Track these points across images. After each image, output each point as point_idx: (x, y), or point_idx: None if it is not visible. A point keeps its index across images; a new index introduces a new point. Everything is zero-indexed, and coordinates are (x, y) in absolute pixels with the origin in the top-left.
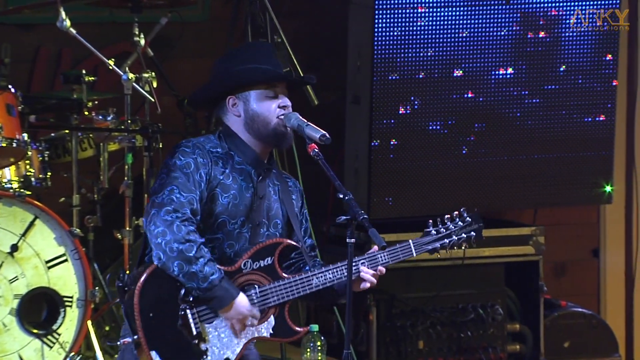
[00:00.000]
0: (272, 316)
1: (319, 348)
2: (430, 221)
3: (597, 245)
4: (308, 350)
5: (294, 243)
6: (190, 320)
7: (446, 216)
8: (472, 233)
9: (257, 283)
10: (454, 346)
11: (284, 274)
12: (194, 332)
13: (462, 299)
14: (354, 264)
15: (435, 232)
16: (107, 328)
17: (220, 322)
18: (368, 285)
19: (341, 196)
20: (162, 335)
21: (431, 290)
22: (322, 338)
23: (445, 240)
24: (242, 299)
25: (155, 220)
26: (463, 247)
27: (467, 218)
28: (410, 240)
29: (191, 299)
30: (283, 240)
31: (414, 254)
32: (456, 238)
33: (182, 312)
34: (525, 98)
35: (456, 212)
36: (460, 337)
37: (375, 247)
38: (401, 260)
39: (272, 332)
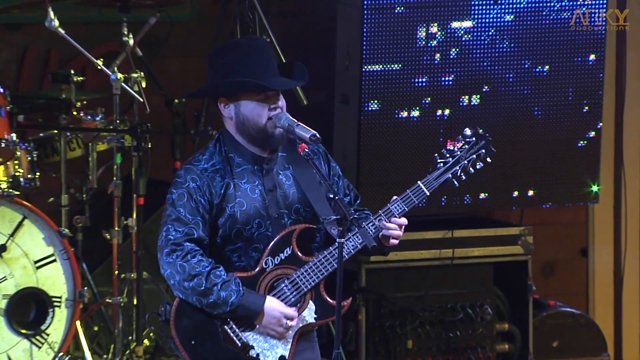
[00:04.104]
0: (310, 301)
1: None
2: (436, 154)
3: (585, 245)
4: None
5: (308, 225)
6: (231, 334)
7: (449, 143)
8: (482, 150)
9: (284, 276)
10: (443, 346)
11: (307, 258)
12: (239, 344)
13: (451, 299)
14: (370, 223)
15: (442, 164)
16: (95, 328)
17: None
18: (395, 241)
19: (331, 196)
20: (211, 357)
21: (420, 290)
22: None
23: (456, 167)
24: (270, 304)
25: (162, 264)
26: (477, 167)
27: (472, 137)
28: (419, 181)
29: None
30: (295, 227)
31: (427, 193)
32: (466, 161)
33: (221, 329)
34: (514, 98)
35: (459, 136)
36: (449, 337)
37: (395, 198)
38: (416, 203)
39: (315, 316)
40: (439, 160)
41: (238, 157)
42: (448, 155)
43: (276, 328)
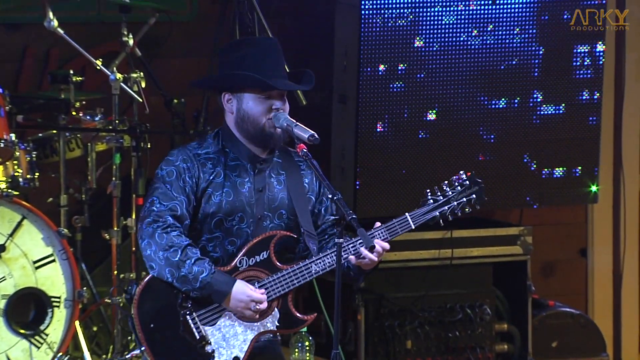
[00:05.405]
0: (275, 309)
1: (307, 348)
2: (428, 190)
3: (585, 245)
4: (296, 350)
5: (289, 233)
6: (192, 325)
7: (444, 182)
8: (473, 195)
9: (255, 279)
10: (442, 346)
11: (281, 266)
12: (197, 336)
13: (450, 299)
14: (351, 245)
15: (432, 201)
16: (94, 328)
17: (223, 322)
18: (372, 264)
19: (330, 196)
20: (166, 343)
21: (419, 290)
22: (310, 338)
23: (445, 207)
24: (239, 287)
25: (141, 234)
26: (466, 211)
27: (466, 181)
28: (407, 213)
29: (189, 305)
30: (276, 233)
31: (413, 226)
32: (456, 203)
33: (182, 318)
34: (513, 98)
35: (454, 177)
36: (448, 337)
37: (378, 223)
38: (400, 234)
39: (277, 324)
40: (429, 197)
41: (233, 153)
42: (439, 193)
43: (244, 311)
